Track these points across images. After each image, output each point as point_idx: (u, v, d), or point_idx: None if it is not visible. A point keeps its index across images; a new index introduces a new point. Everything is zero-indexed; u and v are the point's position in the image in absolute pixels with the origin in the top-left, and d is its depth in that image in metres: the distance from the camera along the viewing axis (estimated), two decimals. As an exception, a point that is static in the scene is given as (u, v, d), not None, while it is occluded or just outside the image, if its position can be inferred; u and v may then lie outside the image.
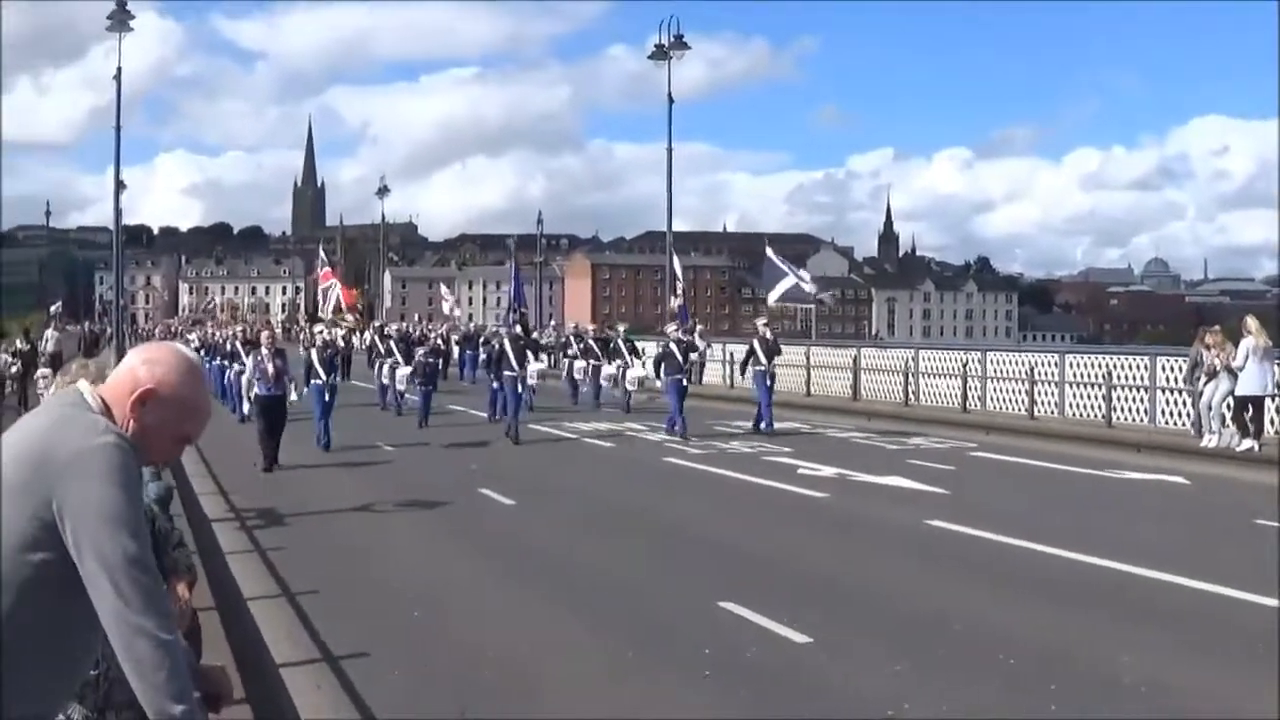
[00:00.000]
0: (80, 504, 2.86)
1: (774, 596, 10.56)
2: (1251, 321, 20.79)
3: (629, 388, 31.68)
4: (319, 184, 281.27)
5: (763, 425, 25.18)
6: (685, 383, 25.51)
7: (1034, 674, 8.29)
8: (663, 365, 26.03)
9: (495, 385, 26.00)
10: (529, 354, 25.83)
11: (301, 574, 11.66)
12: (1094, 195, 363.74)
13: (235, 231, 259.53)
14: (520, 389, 24.47)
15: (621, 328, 36.79)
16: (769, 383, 25.88)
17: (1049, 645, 9.11)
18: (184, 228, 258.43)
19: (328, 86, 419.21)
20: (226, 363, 31.92)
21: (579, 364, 34.64)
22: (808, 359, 34.17)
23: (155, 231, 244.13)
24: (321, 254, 41.70)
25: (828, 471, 19.05)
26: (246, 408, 23.48)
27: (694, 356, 29.71)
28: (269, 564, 12.26)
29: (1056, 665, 8.51)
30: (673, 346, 25.77)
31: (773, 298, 37.40)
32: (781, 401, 27.45)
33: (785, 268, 37.27)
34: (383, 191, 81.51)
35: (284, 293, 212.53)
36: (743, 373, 27.66)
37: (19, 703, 2.90)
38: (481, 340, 42.32)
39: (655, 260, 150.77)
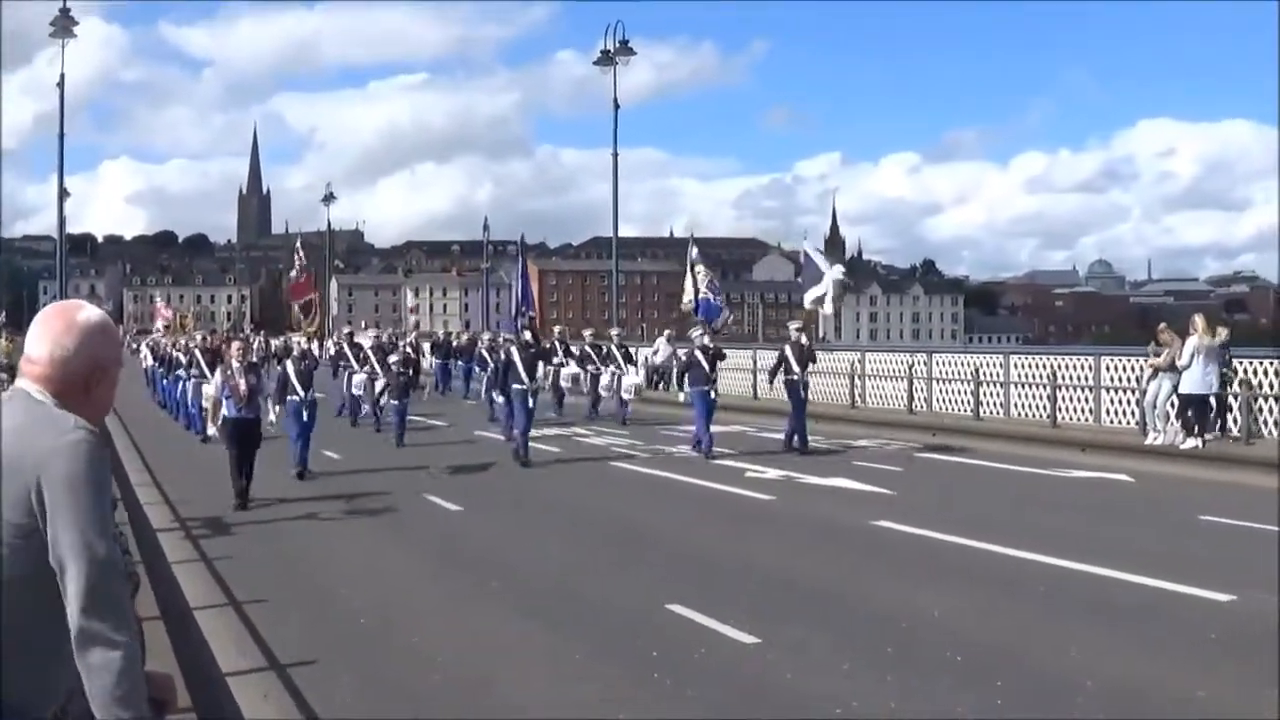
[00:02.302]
0: (50, 505, 2.88)
1: (722, 598, 10.58)
2: (1199, 320, 21.01)
3: (625, 397, 29.95)
4: (265, 191, 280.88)
5: (795, 442, 22.82)
6: (714, 394, 22.97)
7: (982, 671, 8.33)
8: (687, 375, 23.92)
9: (503, 400, 23.48)
10: (540, 364, 23.65)
11: (248, 582, 11.56)
12: (1040, 198, 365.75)
13: (180, 239, 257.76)
14: (531, 403, 21.65)
15: (614, 332, 34.20)
16: (803, 393, 23.29)
17: (996, 642, 9.18)
18: (128, 236, 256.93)
19: (274, 93, 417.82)
20: (184, 374, 28.65)
21: (567, 371, 31.59)
22: (754, 362, 34.16)
23: (99, 240, 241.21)
24: (298, 259, 39.40)
25: (774, 474, 19.12)
26: (212, 430, 19.98)
27: (722, 365, 25.20)
28: (215, 573, 12.15)
29: (1004, 662, 8.57)
30: (698, 354, 23.23)
31: (809, 299, 33.81)
32: (729, 405, 27.44)
33: (824, 267, 33.31)
34: (329, 199, 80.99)
35: (229, 301, 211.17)
36: (771, 381, 25.32)
37: (12, 687, 2.92)
38: (458, 348, 40.80)
39: (603, 266, 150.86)
